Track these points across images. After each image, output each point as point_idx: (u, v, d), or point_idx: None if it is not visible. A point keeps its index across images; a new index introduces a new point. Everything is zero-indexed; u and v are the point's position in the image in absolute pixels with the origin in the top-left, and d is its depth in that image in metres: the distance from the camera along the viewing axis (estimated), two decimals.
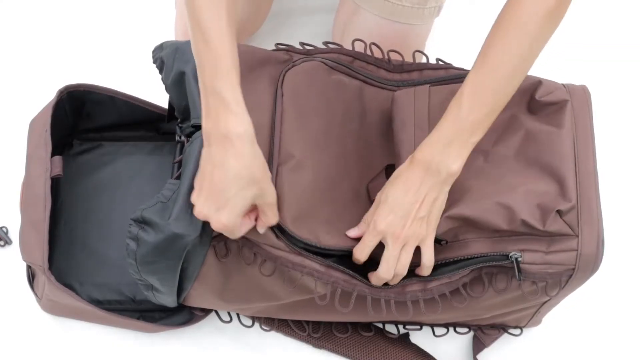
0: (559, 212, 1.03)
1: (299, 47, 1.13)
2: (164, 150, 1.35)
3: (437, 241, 1.03)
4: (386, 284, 1.05)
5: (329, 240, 1.02)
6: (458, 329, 1.26)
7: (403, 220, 0.99)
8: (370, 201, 1.07)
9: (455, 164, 0.98)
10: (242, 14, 1.29)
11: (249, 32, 1.37)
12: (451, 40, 1.49)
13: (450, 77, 1.13)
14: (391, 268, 1.02)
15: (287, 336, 1.28)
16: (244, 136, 0.93)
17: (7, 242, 1.32)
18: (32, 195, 1.18)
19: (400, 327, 1.28)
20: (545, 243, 1.04)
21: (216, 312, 1.24)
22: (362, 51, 1.15)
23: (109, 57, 1.46)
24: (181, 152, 1.07)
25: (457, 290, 1.07)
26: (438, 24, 1.43)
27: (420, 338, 1.29)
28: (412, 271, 1.05)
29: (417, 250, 1.03)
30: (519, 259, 1.04)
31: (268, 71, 1.08)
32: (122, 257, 1.28)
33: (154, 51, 1.13)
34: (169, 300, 1.14)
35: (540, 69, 1.30)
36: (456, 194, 1.03)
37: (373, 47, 1.16)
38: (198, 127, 1.03)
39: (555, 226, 1.03)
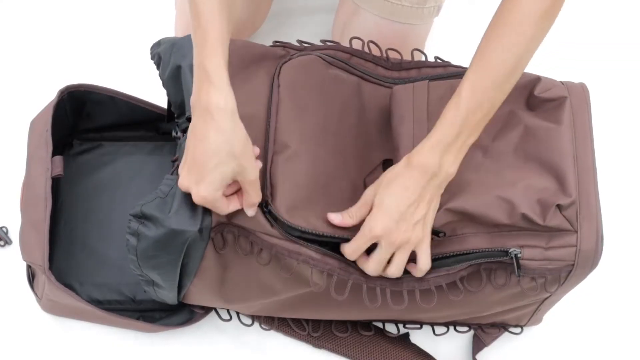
0: (559, 207, 1.03)
1: (296, 44, 1.14)
2: (164, 150, 1.35)
3: (436, 233, 1.03)
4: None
5: (324, 228, 1.02)
6: (458, 328, 1.26)
7: (400, 224, 0.98)
8: None
9: (452, 167, 0.99)
10: (241, 14, 1.30)
11: (249, 32, 1.38)
12: (451, 40, 1.49)
13: (448, 75, 1.13)
14: (379, 269, 1.02)
15: (287, 336, 1.28)
16: (225, 109, 0.93)
17: (7, 242, 1.32)
18: (33, 195, 1.18)
19: (400, 326, 1.28)
20: (545, 239, 1.04)
21: (216, 310, 1.24)
22: (360, 49, 1.15)
23: (109, 57, 1.47)
24: (179, 148, 1.07)
25: (454, 283, 1.07)
26: (437, 24, 1.44)
27: (421, 337, 1.29)
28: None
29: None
30: (519, 255, 1.04)
31: (265, 65, 1.09)
32: (122, 257, 1.28)
33: (152, 47, 1.14)
34: (170, 297, 1.14)
35: (538, 69, 1.30)
36: (455, 187, 1.03)
37: (371, 45, 1.17)
38: None
39: (555, 221, 1.03)
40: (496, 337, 1.27)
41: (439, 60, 1.16)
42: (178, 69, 1.08)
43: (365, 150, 1.10)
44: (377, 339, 1.27)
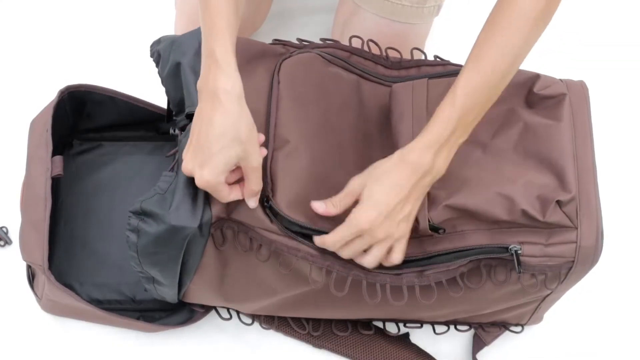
0: (558, 203, 1.03)
1: (295, 42, 1.14)
2: (164, 150, 1.35)
3: (435, 229, 1.03)
4: (382, 267, 1.05)
5: (324, 223, 1.01)
6: (459, 327, 1.26)
7: (387, 220, 0.98)
8: None
9: (444, 165, 0.99)
10: (241, 14, 1.30)
11: (249, 32, 1.38)
12: (451, 39, 1.49)
13: (448, 73, 1.13)
14: (353, 256, 1.01)
15: (287, 335, 1.28)
16: (231, 93, 0.94)
17: (7, 242, 1.32)
18: (33, 195, 1.18)
19: (401, 325, 1.28)
20: (545, 235, 1.04)
21: (215, 309, 1.24)
22: (360, 48, 1.15)
23: (109, 57, 1.47)
24: (176, 145, 1.08)
25: (454, 279, 1.07)
26: (437, 23, 1.44)
27: (421, 337, 1.29)
28: (405, 262, 1.05)
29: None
30: (519, 252, 1.04)
31: (264, 63, 1.09)
32: (122, 257, 1.28)
33: (151, 45, 1.14)
34: (171, 294, 1.14)
35: (537, 67, 1.30)
36: (455, 184, 1.03)
37: (371, 44, 1.17)
38: (192, 117, 1.04)
39: (554, 217, 1.03)
40: (497, 336, 1.27)
41: (438, 59, 1.17)
42: (177, 66, 1.08)
43: (364, 147, 1.10)
44: (378, 339, 1.27)
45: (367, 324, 1.27)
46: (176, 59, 1.08)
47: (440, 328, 1.27)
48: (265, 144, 1.04)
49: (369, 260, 1.01)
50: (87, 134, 1.35)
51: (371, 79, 1.14)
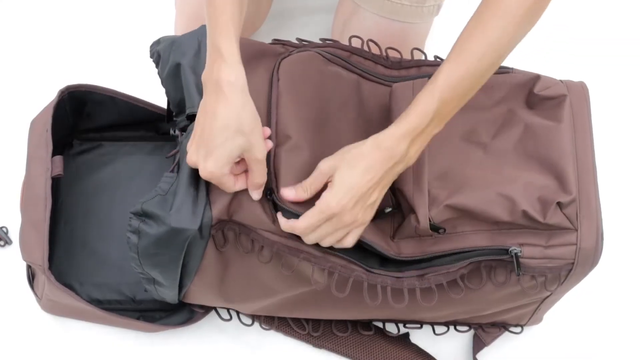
0: (559, 204, 1.03)
1: (295, 42, 1.14)
2: (164, 150, 1.35)
3: (436, 229, 1.03)
4: (384, 268, 1.05)
5: None
6: (458, 328, 1.26)
7: (356, 205, 0.97)
8: None
9: (416, 154, 0.99)
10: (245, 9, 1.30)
11: (249, 32, 1.38)
12: (450, 39, 1.48)
13: None
14: (317, 240, 1.00)
15: (287, 335, 1.28)
16: (235, 85, 0.95)
17: (7, 242, 1.32)
18: (33, 195, 1.18)
19: (401, 326, 1.28)
20: (545, 237, 1.04)
21: (216, 309, 1.24)
22: (360, 48, 1.15)
23: (109, 57, 1.47)
24: (179, 146, 1.08)
25: (454, 281, 1.07)
26: (437, 23, 1.43)
27: (421, 337, 1.29)
28: (407, 262, 1.05)
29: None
30: (519, 254, 1.04)
31: (264, 62, 1.09)
32: (122, 257, 1.28)
33: (151, 46, 1.14)
34: (171, 295, 1.14)
35: (536, 66, 1.30)
36: (455, 184, 1.03)
37: (371, 44, 1.17)
38: (192, 118, 1.04)
39: (555, 219, 1.03)
40: (496, 337, 1.27)
41: (438, 59, 1.17)
42: (177, 67, 1.08)
43: None
44: (377, 339, 1.27)
45: (367, 324, 1.27)
46: (176, 60, 1.08)
47: (439, 329, 1.27)
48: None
49: (327, 242, 1.01)
50: (87, 134, 1.35)
51: (371, 79, 1.14)
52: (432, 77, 0.97)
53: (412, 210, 1.03)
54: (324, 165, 0.99)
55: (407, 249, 1.05)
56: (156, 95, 1.32)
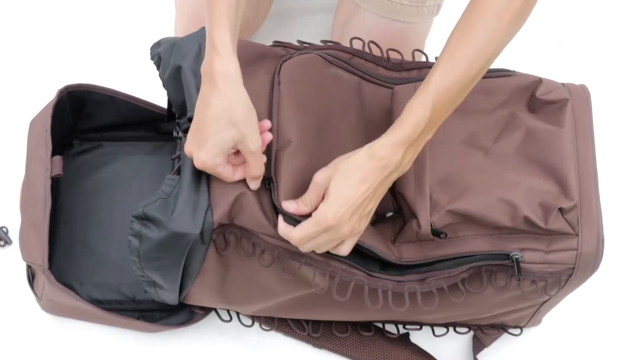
0: (560, 210, 1.03)
1: (296, 44, 1.14)
2: (164, 150, 1.35)
3: (437, 234, 1.03)
4: (385, 272, 1.05)
5: None
6: (458, 329, 1.26)
7: (353, 216, 0.97)
8: None
9: (410, 162, 0.98)
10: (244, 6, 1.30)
11: (249, 32, 1.38)
12: None
13: None
14: (313, 249, 1.00)
15: (287, 336, 1.28)
16: (227, 76, 0.95)
17: (7, 242, 1.32)
18: (32, 195, 1.18)
19: (400, 326, 1.28)
20: (546, 242, 1.04)
21: (216, 310, 1.24)
22: (361, 49, 1.15)
23: (109, 57, 1.46)
24: (180, 148, 1.07)
25: (455, 285, 1.07)
26: (437, 23, 1.43)
27: (420, 338, 1.29)
28: (408, 266, 1.05)
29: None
30: (520, 259, 1.04)
31: (265, 65, 1.08)
32: (122, 257, 1.28)
33: (151, 48, 1.14)
34: (171, 297, 1.14)
35: (537, 68, 1.30)
36: (457, 189, 1.03)
37: (372, 45, 1.16)
38: None
39: (556, 225, 1.03)
40: (495, 338, 1.27)
41: None
42: (178, 70, 1.07)
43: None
44: (377, 339, 1.27)
45: (366, 325, 1.27)
46: (177, 63, 1.07)
47: (439, 330, 1.28)
48: (268, 145, 1.03)
49: (321, 250, 1.01)
50: (87, 134, 1.35)
51: (372, 81, 1.14)
52: (423, 83, 0.97)
53: (414, 215, 1.03)
54: (319, 176, 0.98)
55: (408, 254, 1.05)
56: (156, 95, 1.32)
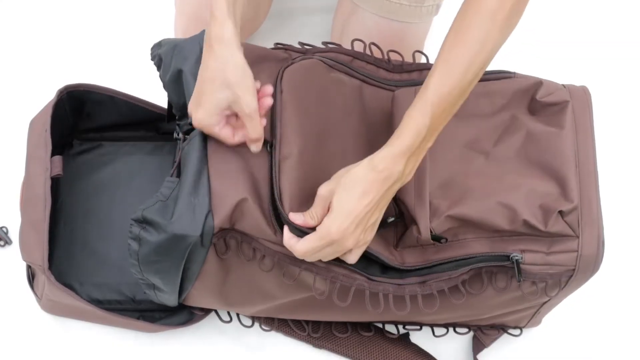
0: (561, 212, 1.03)
1: (297, 46, 1.13)
2: (164, 150, 1.35)
3: (438, 239, 1.03)
4: (385, 275, 1.05)
5: None
6: (458, 329, 1.26)
7: (356, 229, 0.97)
8: None
9: (413, 170, 0.98)
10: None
11: (249, 31, 1.38)
12: None
13: None
14: (314, 257, 1.00)
15: (287, 336, 1.28)
16: (222, 39, 0.98)
17: (7, 242, 1.32)
18: (32, 195, 1.18)
19: (400, 327, 1.28)
20: (546, 244, 1.04)
21: (216, 311, 1.24)
22: (362, 51, 1.15)
23: (109, 57, 1.46)
24: (180, 150, 1.07)
25: (455, 287, 1.07)
26: (437, 23, 1.43)
27: (420, 338, 1.29)
28: (407, 270, 1.05)
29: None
30: (520, 260, 1.04)
31: (266, 68, 1.08)
32: (122, 257, 1.28)
33: (152, 48, 1.13)
34: (171, 300, 1.14)
35: (537, 69, 1.30)
36: (457, 193, 1.04)
37: (372, 47, 1.16)
38: None
39: (556, 227, 1.03)
40: (495, 339, 1.27)
41: None
42: (179, 73, 1.07)
43: (367, 153, 1.10)
44: (377, 339, 1.27)
45: (366, 325, 1.27)
46: (178, 66, 1.07)
47: (439, 330, 1.28)
48: (271, 155, 1.03)
49: (327, 259, 1.01)
50: (87, 134, 1.35)
51: (373, 84, 1.13)
52: (421, 90, 0.96)
53: (414, 221, 1.03)
54: (323, 189, 0.98)
55: (410, 258, 1.05)
56: (156, 95, 1.32)
